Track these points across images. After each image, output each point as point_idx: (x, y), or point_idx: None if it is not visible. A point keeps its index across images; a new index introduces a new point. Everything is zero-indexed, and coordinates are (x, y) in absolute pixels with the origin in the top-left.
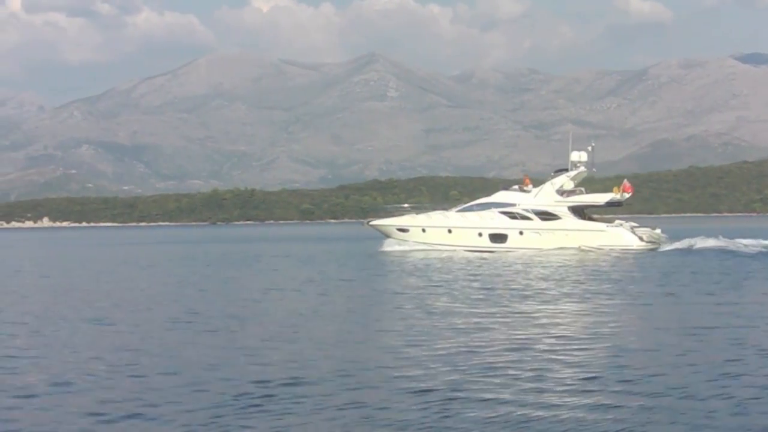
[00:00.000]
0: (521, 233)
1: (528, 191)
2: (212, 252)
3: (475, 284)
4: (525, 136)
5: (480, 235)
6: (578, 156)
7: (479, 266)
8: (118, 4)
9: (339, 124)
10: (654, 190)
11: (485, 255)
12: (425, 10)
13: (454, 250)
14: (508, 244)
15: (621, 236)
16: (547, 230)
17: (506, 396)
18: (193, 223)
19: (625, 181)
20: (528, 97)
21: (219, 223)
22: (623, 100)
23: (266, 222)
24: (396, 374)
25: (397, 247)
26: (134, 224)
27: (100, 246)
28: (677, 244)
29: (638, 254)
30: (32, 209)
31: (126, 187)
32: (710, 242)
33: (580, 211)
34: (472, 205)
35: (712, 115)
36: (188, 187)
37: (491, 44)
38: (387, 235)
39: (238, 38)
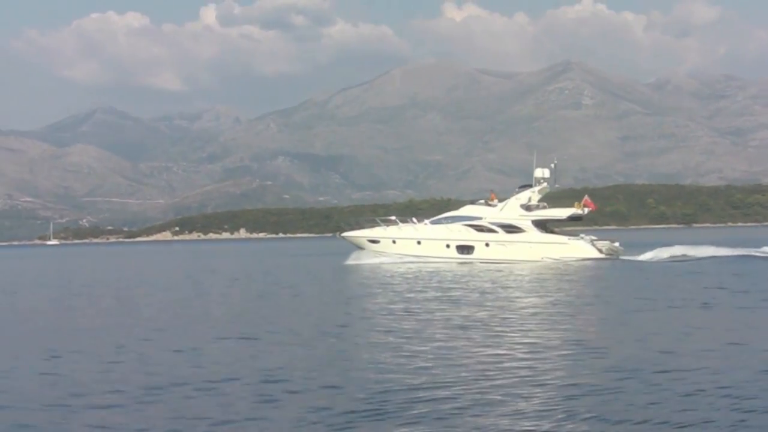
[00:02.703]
0: (487, 245)
1: (494, 206)
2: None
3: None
4: (721, 143)
5: (448, 246)
6: (542, 172)
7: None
8: (312, 16)
9: (534, 132)
10: None
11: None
12: (619, 18)
13: (426, 261)
14: (475, 255)
15: (581, 248)
16: (512, 242)
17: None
18: None
19: (586, 197)
20: (724, 103)
21: None
22: None
23: None
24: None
25: (364, 260)
26: (330, 235)
27: (294, 257)
28: (647, 255)
29: (598, 264)
30: (229, 221)
31: (322, 198)
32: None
33: (543, 225)
34: (440, 218)
35: None
36: (384, 197)
37: (686, 50)
38: (359, 247)
39: (432, 48)
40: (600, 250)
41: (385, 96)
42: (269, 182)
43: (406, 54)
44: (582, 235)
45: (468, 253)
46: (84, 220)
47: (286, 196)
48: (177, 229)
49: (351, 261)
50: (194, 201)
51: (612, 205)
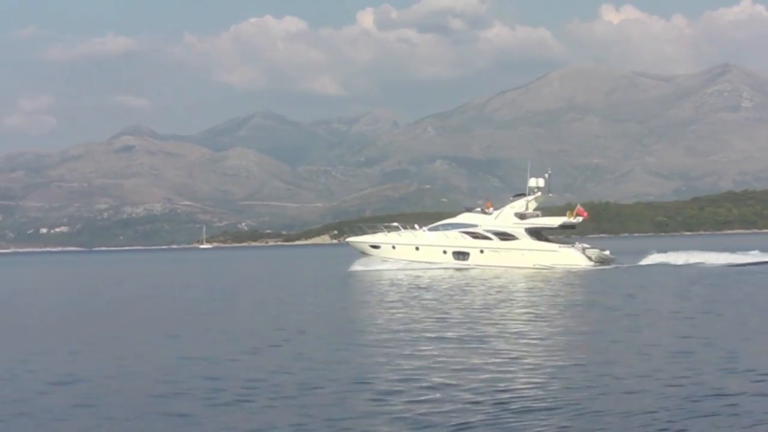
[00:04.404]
0: (482, 251)
1: (489, 213)
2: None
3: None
4: None
5: (444, 252)
6: (536, 182)
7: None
8: (469, 20)
9: (693, 135)
10: None
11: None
12: None
13: (424, 267)
14: (470, 261)
15: (571, 256)
16: (505, 249)
17: None
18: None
19: (579, 206)
20: None
21: (573, 236)
22: None
23: (620, 235)
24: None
25: (371, 266)
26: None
27: None
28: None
29: (586, 272)
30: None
31: (480, 201)
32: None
33: (537, 233)
34: (438, 225)
35: None
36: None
37: None
38: (362, 252)
39: (589, 51)
40: (590, 258)
41: (543, 99)
42: (427, 186)
43: (563, 57)
44: (576, 243)
45: (463, 259)
46: (243, 224)
47: (444, 200)
48: (335, 232)
49: (356, 267)
50: (352, 204)
51: None
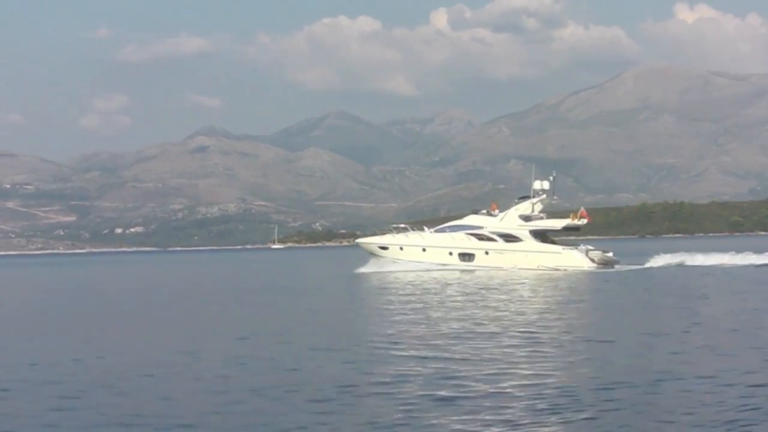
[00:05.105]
0: (487, 253)
1: (495, 215)
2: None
3: None
4: None
5: (450, 253)
6: (540, 185)
7: None
8: (544, 19)
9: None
10: None
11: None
12: None
13: (430, 268)
14: (475, 262)
15: (574, 258)
16: (510, 251)
17: None
18: (622, 237)
19: (582, 208)
20: None
21: (648, 236)
22: None
23: (695, 235)
24: None
25: (382, 268)
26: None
27: None
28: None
29: (589, 274)
30: None
31: (554, 201)
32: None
33: (542, 235)
34: (444, 227)
35: None
36: (616, 201)
37: None
38: (371, 253)
39: (663, 50)
40: (592, 260)
41: (617, 99)
42: (501, 186)
43: (638, 56)
44: (580, 245)
45: (469, 261)
46: (317, 224)
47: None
48: None
49: (365, 269)
50: (427, 205)
51: None
